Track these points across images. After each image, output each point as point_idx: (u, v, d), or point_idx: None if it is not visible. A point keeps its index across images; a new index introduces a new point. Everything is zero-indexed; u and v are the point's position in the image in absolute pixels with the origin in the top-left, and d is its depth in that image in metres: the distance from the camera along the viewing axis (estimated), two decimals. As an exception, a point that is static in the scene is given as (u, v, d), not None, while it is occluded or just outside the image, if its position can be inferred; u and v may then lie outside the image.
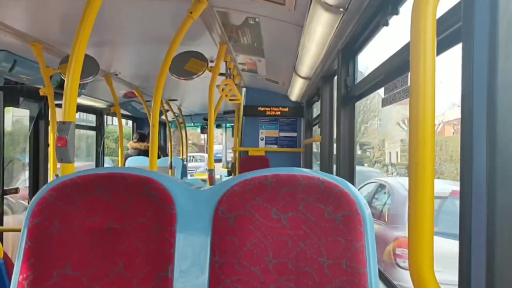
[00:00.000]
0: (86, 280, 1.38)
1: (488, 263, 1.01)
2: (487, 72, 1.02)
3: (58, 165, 1.91)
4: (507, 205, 0.98)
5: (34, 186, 4.51)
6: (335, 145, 3.38)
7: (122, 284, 1.38)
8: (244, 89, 6.45)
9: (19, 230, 1.44)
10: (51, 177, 3.76)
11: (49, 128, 3.85)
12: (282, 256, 1.34)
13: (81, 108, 5.92)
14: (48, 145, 4.41)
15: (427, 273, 1.07)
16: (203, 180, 7.01)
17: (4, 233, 4.13)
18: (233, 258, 1.36)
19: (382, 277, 2.29)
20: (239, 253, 1.36)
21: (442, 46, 1.43)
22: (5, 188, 4.12)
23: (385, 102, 2.10)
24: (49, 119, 3.59)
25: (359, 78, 2.79)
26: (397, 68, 1.95)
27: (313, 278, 1.31)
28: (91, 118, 6.66)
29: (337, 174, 2.84)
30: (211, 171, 3.89)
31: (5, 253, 2.11)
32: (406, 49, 1.78)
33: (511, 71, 0.99)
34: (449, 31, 1.38)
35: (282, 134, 6.70)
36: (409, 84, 1.46)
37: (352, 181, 2.87)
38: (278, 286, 1.33)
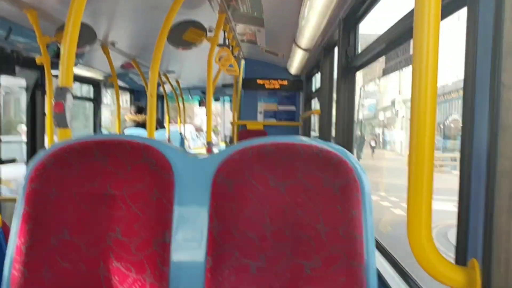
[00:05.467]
0: (84, 245, 1.39)
1: (485, 229, 1.01)
2: (493, 35, 1.00)
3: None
4: (507, 168, 0.98)
5: (32, 156, 4.49)
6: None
7: (120, 249, 1.38)
8: (243, 62, 6.38)
9: (15, 200, 1.43)
10: (48, 147, 3.74)
11: (46, 97, 3.82)
12: (279, 223, 1.35)
13: (78, 79, 5.86)
14: (45, 114, 4.38)
15: (425, 239, 1.07)
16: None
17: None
18: (231, 224, 1.36)
19: (378, 244, 2.31)
20: (237, 220, 1.36)
21: (447, 11, 1.40)
22: (2, 158, 4.12)
23: (385, 72, 2.08)
24: (46, 88, 3.55)
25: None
26: (399, 36, 1.92)
27: (310, 245, 1.32)
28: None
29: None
30: (209, 144, 3.88)
31: (3, 221, 2.11)
32: (408, 16, 1.75)
33: None
34: None
35: (281, 107, 6.66)
36: (411, 52, 1.45)
37: (350, 150, 2.87)
38: (275, 252, 1.34)
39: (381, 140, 31.58)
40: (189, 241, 1.39)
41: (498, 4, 0.99)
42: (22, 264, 1.36)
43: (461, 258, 1.14)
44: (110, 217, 1.40)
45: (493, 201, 0.98)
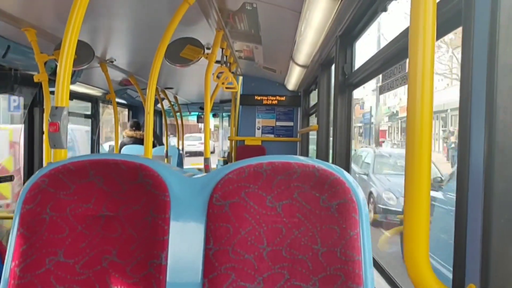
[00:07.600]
0: (79, 267, 1.37)
1: (483, 253, 1.00)
2: (487, 56, 1.00)
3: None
4: (503, 191, 0.97)
5: (29, 174, 4.48)
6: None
7: (116, 271, 1.36)
8: (241, 78, 6.40)
9: (11, 218, 1.42)
10: (45, 165, 3.73)
11: (44, 115, 3.82)
12: (276, 243, 1.33)
13: (76, 96, 5.87)
14: (43, 132, 4.37)
15: (423, 263, 1.06)
16: (199, 169, 7.00)
17: None
18: (227, 245, 1.35)
19: (377, 265, 2.29)
20: (233, 241, 1.35)
21: (442, 31, 1.41)
22: (-1, 175, 4.10)
23: (382, 90, 2.08)
24: (44, 106, 3.55)
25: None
26: (395, 55, 1.92)
27: (307, 266, 1.30)
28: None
29: (333, 163, 2.83)
30: (206, 160, 3.86)
31: None
32: (404, 35, 1.76)
33: (511, 55, 0.97)
34: (448, 15, 1.36)
35: (279, 123, 6.68)
36: (407, 70, 1.45)
37: (348, 169, 2.86)
38: (272, 273, 1.32)
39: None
40: (185, 262, 1.37)
41: (492, 24, 1.00)
42: (17, 287, 1.34)
43: (459, 283, 1.12)
44: (106, 238, 1.39)
45: (490, 224, 0.97)
